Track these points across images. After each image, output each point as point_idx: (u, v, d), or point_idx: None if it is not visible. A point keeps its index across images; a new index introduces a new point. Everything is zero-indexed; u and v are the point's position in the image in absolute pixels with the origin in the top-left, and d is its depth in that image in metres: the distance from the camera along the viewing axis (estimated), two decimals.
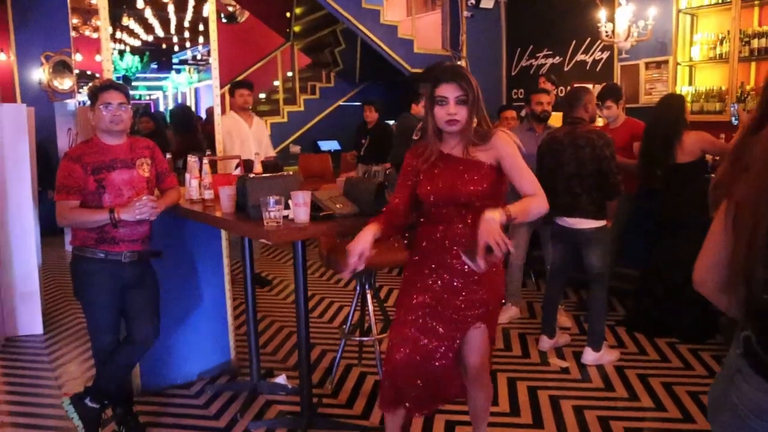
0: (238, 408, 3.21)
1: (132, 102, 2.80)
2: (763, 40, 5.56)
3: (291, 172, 2.72)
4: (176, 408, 3.26)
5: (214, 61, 3.67)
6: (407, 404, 2.29)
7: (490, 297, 2.26)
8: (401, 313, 2.30)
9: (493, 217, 1.92)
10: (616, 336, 4.11)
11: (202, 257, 3.53)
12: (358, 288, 3.34)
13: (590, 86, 5.19)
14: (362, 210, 2.54)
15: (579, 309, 4.61)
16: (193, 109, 7.37)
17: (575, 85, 4.30)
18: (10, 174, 4.38)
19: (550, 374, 3.57)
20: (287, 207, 2.43)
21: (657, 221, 4.14)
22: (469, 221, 2.17)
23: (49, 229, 6.63)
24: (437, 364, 2.23)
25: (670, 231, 4.01)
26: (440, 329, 2.24)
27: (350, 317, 3.46)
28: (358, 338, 3.63)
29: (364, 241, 2.12)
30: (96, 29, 9.24)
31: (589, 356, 3.67)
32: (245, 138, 5.22)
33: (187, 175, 3.08)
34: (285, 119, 8.91)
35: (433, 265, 2.26)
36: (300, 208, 2.37)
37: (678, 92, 5.95)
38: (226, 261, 3.63)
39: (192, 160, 3.06)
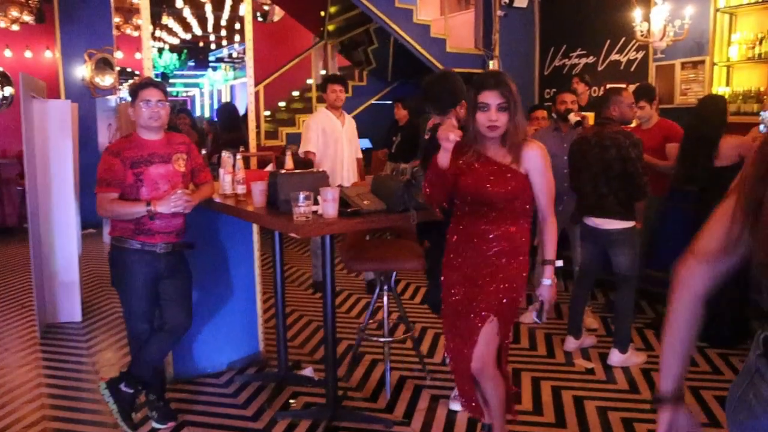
0: (266, 398, 3.29)
1: (169, 99, 2.91)
2: None
3: (322, 170, 2.78)
4: (206, 396, 3.36)
5: (249, 60, 3.76)
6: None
7: (507, 294, 2.34)
8: (444, 308, 2.50)
9: (551, 282, 2.35)
10: (644, 338, 4.08)
11: (234, 251, 3.63)
12: (377, 288, 3.41)
13: (624, 86, 5.18)
14: (389, 207, 2.60)
15: (606, 311, 4.58)
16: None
17: (609, 86, 4.28)
18: (54, 168, 4.55)
19: (575, 375, 3.57)
20: (317, 203, 2.50)
21: (691, 224, 4.09)
22: (496, 219, 2.33)
23: (89, 222, 6.87)
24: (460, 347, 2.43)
25: None
26: (461, 316, 2.40)
27: (367, 316, 3.53)
28: (375, 337, 3.69)
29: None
30: (137, 27, 9.52)
31: (615, 357, 3.66)
32: (338, 137, 4.89)
33: (221, 170, 3.17)
34: None
35: (460, 259, 2.41)
36: (329, 204, 2.43)
37: (716, 93, 5.84)
38: (256, 255, 3.73)
39: (226, 155, 3.15)
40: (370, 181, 2.79)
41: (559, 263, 2.40)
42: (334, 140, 4.89)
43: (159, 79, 3.18)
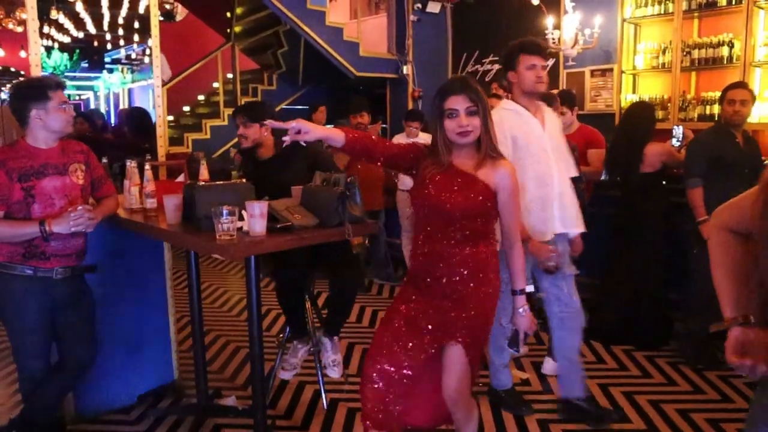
0: None
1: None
2: (703, 50, 5.71)
3: (244, 180, 2.51)
4: None
5: (156, 58, 3.40)
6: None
7: (476, 321, 2.17)
8: (386, 319, 2.28)
9: (525, 310, 2.24)
10: None
11: (142, 270, 3.26)
12: (330, 299, 3.21)
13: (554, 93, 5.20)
14: (323, 221, 2.37)
15: (536, 317, 4.54)
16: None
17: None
18: None
19: None
20: (241, 218, 2.23)
21: (614, 229, 4.13)
22: (459, 246, 2.13)
23: None
24: (405, 372, 2.16)
25: (627, 240, 4.00)
26: (414, 341, 2.16)
27: (288, 328, 3.28)
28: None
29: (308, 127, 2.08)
30: (21, 22, 8.69)
31: (550, 366, 3.60)
32: (540, 146, 2.90)
33: (126, 182, 2.82)
34: (225, 122, 8.57)
35: (420, 283, 2.20)
36: (256, 220, 2.17)
37: (644, 100, 5.99)
38: (168, 274, 3.37)
39: (131, 165, 2.80)
40: (299, 192, 2.54)
41: (530, 288, 2.27)
42: (539, 150, 4.57)
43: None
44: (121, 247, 3.10)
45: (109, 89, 13.37)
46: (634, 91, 6.35)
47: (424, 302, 2.17)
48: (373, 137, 2.24)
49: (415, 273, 2.23)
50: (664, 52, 6.00)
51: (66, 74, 12.98)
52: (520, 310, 2.23)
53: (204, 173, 2.98)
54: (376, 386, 2.16)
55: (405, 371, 2.15)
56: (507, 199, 2.14)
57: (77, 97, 13.91)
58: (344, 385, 3.45)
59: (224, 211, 2.11)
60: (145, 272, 3.27)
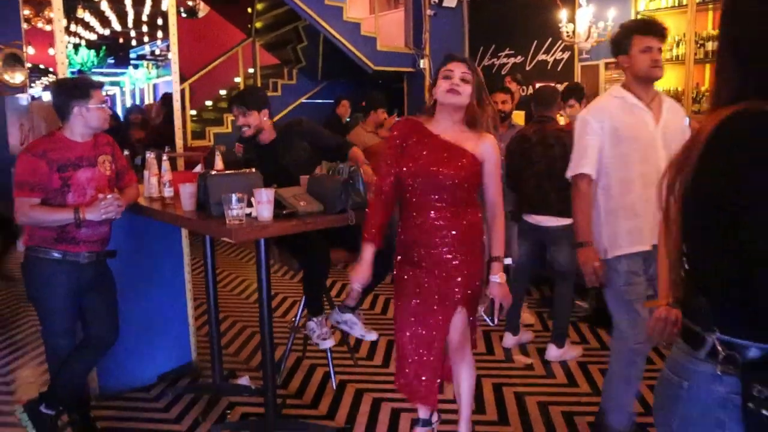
0: (201, 410, 3.14)
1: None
2: (717, 43, 5.70)
3: (253, 170, 2.65)
4: (136, 412, 3.17)
5: (174, 55, 3.56)
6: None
7: (469, 282, 2.34)
8: (398, 300, 2.43)
9: (501, 281, 2.30)
10: (579, 332, 4.16)
11: (162, 257, 3.44)
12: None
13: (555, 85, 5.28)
14: (327, 207, 2.51)
15: (542, 306, 4.65)
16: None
17: (545, 85, 4.31)
18: None
19: (515, 371, 3.59)
20: (250, 205, 2.38)
21: None
22: (449, 215, 2.26)
23: None
24: (436, 344, 2.37)
25: None
26: (428, 314, 2.35)
27: (299, 314, 3.43)
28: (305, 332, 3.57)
29: (364, 273, 2.31)
30: (49, 21, 8.97)
31: (553, 352, 3.70)
32: (650, 142, 2.46)
33: (146, 173, 2.99)
34: None
35: (416, 257, 2.33)
36: (263, 206, 2.31)
37: None
38: (186, 260, 3.55)
39: (151, 156, 2.97)
40: (306, 181, 2.69)
41: (508, 260, 2.38)
42: (643, 147, 4.60)
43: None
44: (141, 234, 3.28)
45: (135, 84, 13.67)
46: None
47: (425, 276, 2.31)
48: (373, 206, 2.35)
49: (408, 245, 2.34)
50: (677, 45, 6.02)
51: (93, 70, 13.30)
52: (496, 278, 2.31)
53: (219, 164, 3.14)
54: (418, 377, 2.39)
55: (434, 346, 2.36)
56: (492, 170, 2.29)
57: (104, 93, 14.25)
58: (353, 368, 3.60)
59: (234, 198, 2.26)
60: (164, 259, 3.45)
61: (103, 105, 2.64)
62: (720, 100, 1.04)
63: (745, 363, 1.01)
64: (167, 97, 5.37)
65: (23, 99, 7.24)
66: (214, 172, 2.58)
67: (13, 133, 7.10)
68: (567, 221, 3.61)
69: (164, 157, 2.91)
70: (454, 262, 2.28)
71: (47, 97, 9.47)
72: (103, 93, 2.67)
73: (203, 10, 10.46)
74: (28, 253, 2.63)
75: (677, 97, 5.99)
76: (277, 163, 3.04)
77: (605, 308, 4.21)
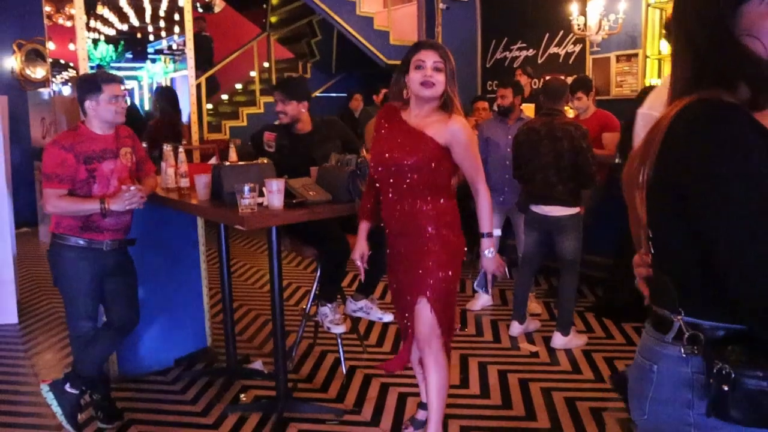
0: (215, 393, 3.26)
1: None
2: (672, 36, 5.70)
3: (265, 161, 2.77)
4: (153, 393, 3.30)
5: (189, 51, 3.68)
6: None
7: (432, 268, 2.33)
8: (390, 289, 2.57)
9: (491, 253, 2.38)
10: (585, 321, 4.23)
11: (178, 245, 3.57)
12: (318, 272, 3.42)
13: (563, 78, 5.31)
14: (335, 197, 2.61)
15: (548, 296, 4.73)
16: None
17: (553, 77, 4.35)
18: None
19: (520, 358, 3.68)
20: (262, 194, 2.49)
21: (627, 210, 4.25)
22: (410, 201, 2.31)
23: (23, 220, 6.61)
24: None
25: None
26: (400, 299, 2.46)
27: (310, 301, 3.54)
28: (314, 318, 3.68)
29: (360, 246, 2.45)
30: (70, 17, 9.12)
31: (558, 340, 3.78)
32: None
33: (163, 164, 3.11)
34: (261, 110, 8.91)
35: (396, 240, 2.42)
36: (274, 195, 2.43)
37: (654, 85, 6.07)
38: (202, 249, 3.68)
39: (168, 148, 3.09)
40: (316, 172, 2.79)
41: (497, 232, 2.47)
42: None
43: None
44: (159, 223, 3.41)
45: (152, 79, 13.88)
46: (659, 76, 6.38)
47: (401, 263, 2.40)
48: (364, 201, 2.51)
49: (389, 234, 2.44)
50: None
51: (112, 65, 13.53)
52: (487, 252, 2.38)
53: (233, 156, 3.25)
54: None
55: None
56: (462, 153, 2.28)
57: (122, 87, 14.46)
58: (363, 354, 3.71)
59: (246, 188, 2.37)
60: (181, 247, 3.58)
61: (117, 99, 2.71)
62: (677, 91, 1.09)
63: (707, 342, 1.05)
64: (162, 90, 5.36)
65: (45, 93, 7.43)
66: (227, 163, 2.70)
67: (35, 127, 7.30)
68: (573, 210, 3.69)
69: (180, 149, 3.02)
70: (420, 247, 2.32)
71: (67, 91, 9.69)
72: (122, 87, 2.75)
73: (219, 5, 10.58)
74: (54, 240, 2.76)
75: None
76: (308, 155, 3.15)
77: (612, 299, 4.32)
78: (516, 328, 3.99)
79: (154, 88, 5.95)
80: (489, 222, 2.37)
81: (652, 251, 1.15)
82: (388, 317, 3.29)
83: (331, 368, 3.56)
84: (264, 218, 2.40)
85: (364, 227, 2.47)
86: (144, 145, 3.52)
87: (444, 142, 2.25)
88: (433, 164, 2.25)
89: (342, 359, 3.50)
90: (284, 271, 4.50)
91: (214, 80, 9.58)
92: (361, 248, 2.46)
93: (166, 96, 4.74)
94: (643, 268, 1.23)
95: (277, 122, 3.36)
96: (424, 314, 2.35)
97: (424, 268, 2.32)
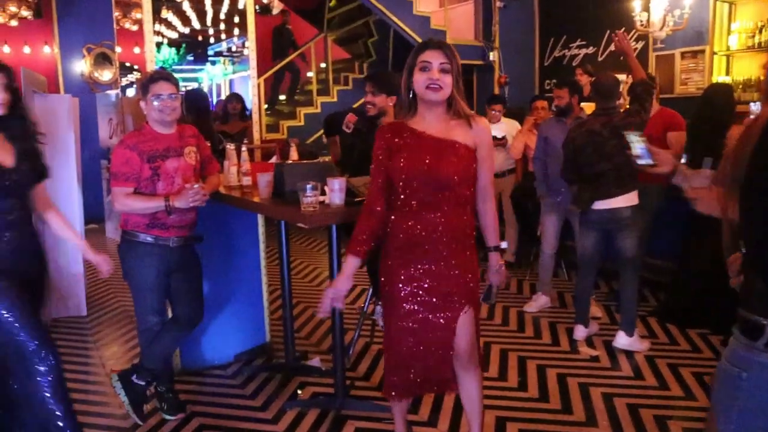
0: (274, 388, 3.32)
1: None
2: None
3: (326, 159, 2.79)
4: (214, 387, 3.39)
5: (252, 52, 3.76)
6: (414, 389, 2.37)
7: (471, 280, 2.23)
8: (391, 307, 2.29)
9: (500, 266, 2.28)
10: (648, 326, 4.11)
11: (240, 243, 3.65)
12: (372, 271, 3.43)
13: (622, 77, 5.17)
14: None
15: (608, 299, 4.61)
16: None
17: (604, 74, 4.23)
18: (58, 161, 4.54)
19: (580, 362, 3.60)
20: (323, 193, 2.52)
21: (693, 214, 4.10)
22: (446, 209, 2.14)
23: (91, 217, 6.88)
24: (434, 349, 2.25)
25: (704, 223, 3.98)
26: (430, 316, 2.22)
27: (367, 300, 3.55)
28: (372, 317, 3.69)
29: (344, 284, 2.23)
30: (136, 22, 9.50)
31: (622, 340, 3.69)
32: None
33: (226, 163, 3.18)
34: (318, 110, 9.02)
35: (412, 256, 2.19)
36: (335, 194, 2.45)
37: (721, 82, 5.84)
38: (262, 247, 3.74)
39: (231, 147, 3.16)
40: None
41: (504, 245, 2.40)
42: None
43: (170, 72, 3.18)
44: (222, 221, 3.50)
45: (212, 80, 14.24)
46: (727, 73, 6.15)
47: (425, 276, 2.18)
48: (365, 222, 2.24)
49: (403, 246, 2.20)
50: (761, 31, 5.77)
51: (174, 67, 13.94)
52: (497, 267, 2.28)
53: (294, 155, 3.30)
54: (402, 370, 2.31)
55: (422, 345, 2.24)
56: (484, 154, 2.16)
57: (184, 88, 14.90)
58: None
59: (308, 186, 2.40)
60: (243, 246, 3.66)
61: (161, 98, 2.74)
62: None
63: None
64: (190, 93, 5.38)
65: (112, 95, 7.72)
66: (290, 162, 2.74)
67: (103, 127, 7.60)
68: (635, 202, 3.60)
69: (243, 148, 3.09)
70: (452, 261, 2.17)
71: (132, 93, 10.02)
72: (168, 85, 2.77)
73: (277, 7, 10.76)
74: (124, 236, 2.87)
75: (759, 87, 5.76)
76: None
77: (675, 303, 4.17)
78: (581, 332, 3.91)
79: (185, 91, 6.04)
80: (496, 235, 2.28)
81: (745, 254, 1.12)
82: None
83: None
84: (325, 216, 2.42)
85: (353, 263, 2.20)
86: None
87: (472, 144, 2.15)
88: (470, 170, 2.15)
89: None
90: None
91: (297, 71, 9.74)
92: (341, 288, 2.21)
93: (194, 99, 4.80)
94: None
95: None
96: (469, 325, 2.24)
97: (468, 277, 2.22)
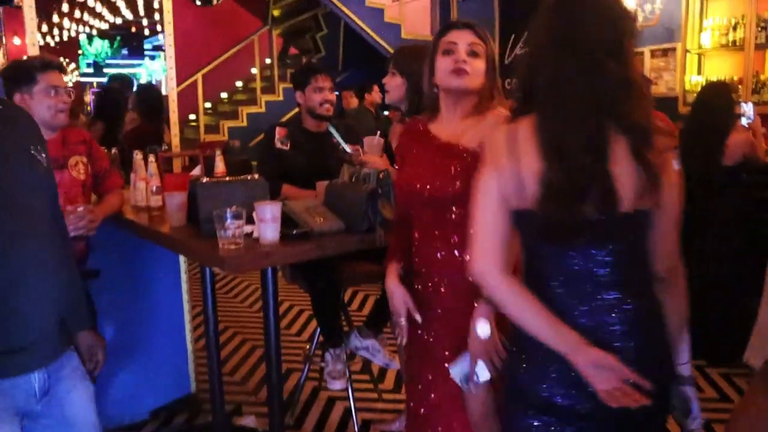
0: None
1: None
2: None
3: (257, 176, 2.14)
4: None
5: (168, 36, 3.07)
6: None
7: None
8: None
9: (484, 332, 1.47)
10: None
11: (154, 272, 2.95)
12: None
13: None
14: (349, 226, 1.99)
15: None
16: None
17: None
18: None
19: None
20: (252, 221, 1.88)
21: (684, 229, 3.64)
22: (448, 240, 1.67)
23: None
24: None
25: (701, 240, 3.51)
26: (424, 377, 1.76)
27: (314, 343, 2.92)
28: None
29: (399, 298, 1.73)
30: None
31: None
32: None
33: (132, 176, 2.51)
34: (262, 109, 8.33)
35: (413, 293, 1.76)
36: (267, 225, 1.81)
37: (718, 80, 5.44)
38: (184, 277, 3.06)
39: (138, 157, 2.48)
40: (323, 190, 2.17)
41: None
42: None
43: (91, 69, 2.51)
44: (130, 248, 2.79)
45: (151, 76, 13.31)
46: (699, 73, 5.78)
47: (434, 320, 1.73)
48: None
49: (409, 274, 1.80)
50: (734, 28, 5.42)
51: (107, 61, 12.98)
52: (480, 324, 1.54)
53: (219, 166, 2.63)
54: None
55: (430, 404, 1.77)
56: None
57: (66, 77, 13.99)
58: (377, 403, 3.10)
59: (228, 214, 1.76)
60: (156, 275, 2.97)
61: (57, 91, 2.14)
62: None
63: None
64: (141, 89, 4.68)
65: None
66: (206, 179, 2.07)
67: None
68: None
69: (151, 158, 2.41)
70: (458, 304, 1.66)
71: None
72: (64, 77, 2.17)
73: None
74: None
75: (734, 86, 5.38)
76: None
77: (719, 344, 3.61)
78: None
79: (136, 87, 5.31)
80: None
81: None
82: (395, 365, 2.70)
83: (341, 422, 2.95)
84: (253, 258, 1.78)
85: (396, 269, 1.78)
86: (114, 151, 2.92)
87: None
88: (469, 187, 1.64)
89: (353, 411, 2.87)
90: (282, 289, 3.92)
91: None
92: (403, 297, 1.73)
93: (146, 96, 4.10)
94: None
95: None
96: (475, 402, 1.66)
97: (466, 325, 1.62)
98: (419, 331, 1.77)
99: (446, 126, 1.71)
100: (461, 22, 1.70)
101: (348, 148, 2.31)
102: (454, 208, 1.64)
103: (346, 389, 2.82)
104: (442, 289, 1.70)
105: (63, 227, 1.70)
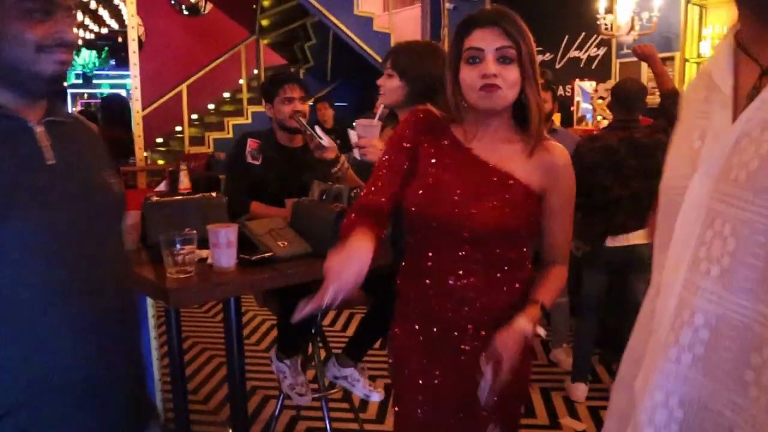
0: None
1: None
2: None
3: (215, 194, 1.93)
4: None
5: (133, 54, 2.86)
6: None
7: (512, 391, 1.42)
8: (402, 403, 1.54)
9: (524, 329, 1.30)
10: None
11: None
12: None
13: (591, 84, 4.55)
14: (316, 249, 1.78)
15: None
16: None
17: (626, 78, 3.55)
18: None
19: None
20: (206, 246, 1.67)
21: None
22: (480, 279, 1.38)
23: None
24: None
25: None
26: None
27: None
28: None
29: (357, 261, 1.21)
30: None
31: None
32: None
33: None
34: (249, 120, 8.12)
35: (422, 337, 1.46)
36: (221, 251, 1.60)
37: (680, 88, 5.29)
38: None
39: None
40: (289, 209, 1.96)
41: (541, 331, 1.57)
42: None
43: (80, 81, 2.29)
44: None
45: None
46: None
47: (437, 369, 1.47)
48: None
49: (410, 311, 1.49)
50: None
51: (96, 72, 12.79)
52: (523, 324, 1.36)
53: (184, 181, 2.42)
54: None
55: None
56: (561, 204, 1.41)
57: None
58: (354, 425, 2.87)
59: (177, 240, 1.55)
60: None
61: None
62: None
63: None
64: (106, 100, 4.48)
65: None
66: (156, 199, 1.85)
67: None
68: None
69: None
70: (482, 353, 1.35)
71: None
72: None
73: (207, 8, 9.86)
74: None
75: None
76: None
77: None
78: (581, 391, 3.15)
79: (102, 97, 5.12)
80: (551, 294, 1.44)
81: None
82: (376, 396, 2.46)
83: None
84: (204, 289, 1.56)
85: (368, 240, 1.28)
86: None
87: (538, 186, 1.38)
88: (521, 223, 1.37)
89: None
90: (250, 300, 3.71)
91: None
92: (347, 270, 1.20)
93: (109, 106, 3.89)
94: None
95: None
96: None
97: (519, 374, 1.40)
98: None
99: (479, 139, 1.40)
100: (486, 15, 1.39)
101: (325, 141, 2.01)
102: (498, 243, 1.37)
103: (323, 415, 2.60)
104: (460, 332, 1.43)
105: None
